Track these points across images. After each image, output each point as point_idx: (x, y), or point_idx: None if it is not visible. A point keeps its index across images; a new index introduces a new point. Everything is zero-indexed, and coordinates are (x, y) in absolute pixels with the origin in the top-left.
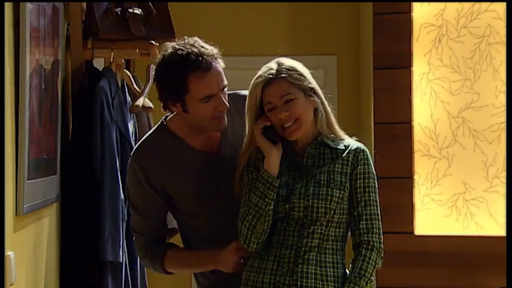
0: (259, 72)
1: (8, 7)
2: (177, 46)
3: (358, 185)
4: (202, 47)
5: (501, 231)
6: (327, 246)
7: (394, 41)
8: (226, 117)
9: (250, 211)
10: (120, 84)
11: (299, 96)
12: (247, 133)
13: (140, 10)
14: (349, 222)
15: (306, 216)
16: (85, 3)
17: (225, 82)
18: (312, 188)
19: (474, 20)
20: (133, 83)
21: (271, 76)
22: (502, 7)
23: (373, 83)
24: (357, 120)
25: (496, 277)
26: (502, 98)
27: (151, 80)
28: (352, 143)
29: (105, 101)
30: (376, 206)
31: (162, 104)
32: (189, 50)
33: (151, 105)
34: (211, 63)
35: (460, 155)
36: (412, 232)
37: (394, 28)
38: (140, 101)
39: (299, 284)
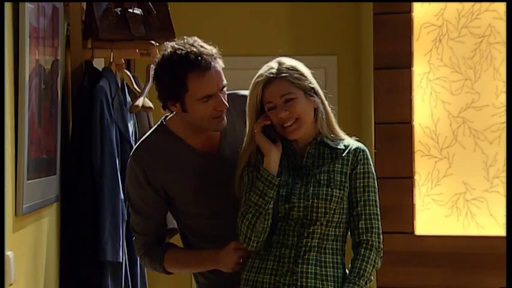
0: (260, 71)
1: (7, 7)
2: (176, 46)
3: (357, 185)
4: (201, 46)
5: (501, 231)
6: (327, 246)
7: (394, 41)
8: (225, 117)
9: (250, 210)
10: (120, 84)
11: (299, 96)
12: (247, 132)
13: (140, 10)
14: (348, 222)
15: (305, 216)
16: (85, 3)
17: (224, 82)
18: (311, 188)
19: (474, 20)
20: (134, 83)
21: (271, 75)
22: (502, 7)
23: (373, 83)
24: (358, 120)
25: (496, 277)
26: (503, 98)
27: (151, 80)
28: (352, 142)
29: (105, 101)
30: (376, 205)
31: (161, 104)
32: (189, 50)
33: (151, 105)
34: (210, 63)
35: (460, 155)
36: (412, 232)
37: (395, 28)
38: (140, 101)
39: (299, 283)
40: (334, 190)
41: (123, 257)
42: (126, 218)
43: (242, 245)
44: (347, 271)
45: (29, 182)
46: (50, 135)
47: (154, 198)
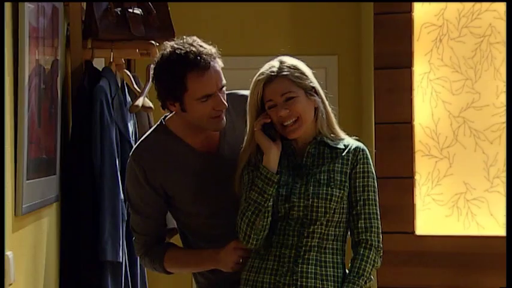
0: (261, 70)
1: (7, 7)
2: (175, 45)
3: (357, 184)
4: (200, 46)
5: (502, 231)
6: (327, 245)
7: (394, 40)
8: (224, 117)
9: (250, 207)
10: (120, 84)
11: (300, 95)
12: (248, 130)
13: (140, 10)
14: (348, 222)
15: (305, 216)
16: (85, 3)
17: (224, 81)
18: (311, 188)
19: (475, 20)
20: (134, 83)
21: (273, 73)
22: (503, 7)
23: (374, 83)
24: (358, 120)
25: (497, 277)
26: (503, 98)
27: (151, 80)
28: (351, 142)
29: (105, 101)
30: (375, 205)
31: (160, 104)
32: (188, 49)
33: (151, 105)
34: (209, 63)
35: (460, 154)
36: (413, 232)
37: (395, 28)
38: (140, 101)
39: (299, 283)
40: (334, 190)
41: (123, 257)
42: (126, 218)
43: (242, 242)
44: (347, 271)
45: (28, 182)
46: (49, 135)
47: (154, 198)
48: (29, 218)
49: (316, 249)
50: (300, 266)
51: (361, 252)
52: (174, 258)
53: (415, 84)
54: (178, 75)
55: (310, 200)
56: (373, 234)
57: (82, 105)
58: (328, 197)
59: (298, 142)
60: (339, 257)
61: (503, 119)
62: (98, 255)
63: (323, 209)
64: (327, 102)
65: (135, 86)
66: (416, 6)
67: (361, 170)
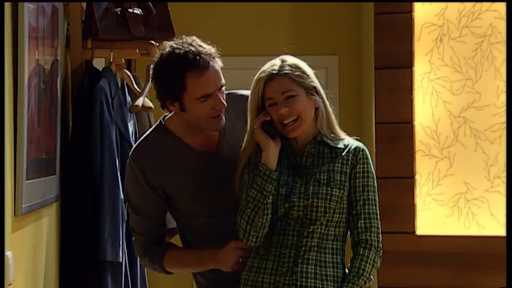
0: (263, 68)
1: (7, 7)
2: (175, 45)
3: (357, 184)
4: (200, 46)
5: (502, 231)
6: (327, 245)
7: (395, 40)
8: (224, 117)
9: (249, 205)
10: (120, 84)
11: (300, 94)
12: (248, 129)
13: (140, 10)
14: (348, 222)
15: (305, 216)
16: (85, 3)
17: (223, 81)
18: (311, 187)
19: (475, 20)
20: (134, 83)
21: (274, 72)
22: (503, 7)
23: (374, 83)
24: (359, 120)
25: (497, 277)
26: (504, 98)
27: (150, 80)
28: (351, 142)
29: (105, 101)
30: (375, 205)
31: (160, 103)
32: (187, 49)
33: (151, 105)
34: (208, 62)
35: (461, 154)
36: (413, 232)
37: (396, 28)
38: (140, 101)
39: (299, 283)
40: (334, 189)
41: (123, 257)
42: (126, 218)
43: (241, 240)
44: (347, 271)
45: (28, 182)
46: (49, 135)
47: (154, 197)
48: (29, 218)
49: (316, 249)
50: (299, 266)
51: (361, 252)
52: (174, 258)
53: (415, 84)
54: (177, 74)
55: (310, 199)
56: (373, 234)
57: (82, 105)
58: (328, 196)
59: (298, 142)
60: (338, 257)
61: (504, 119)
62: (97, 255)
63: (323, 209)
64: (327, 102)
65: (135, 86)
66: (417, 6)
67: (361, 169)
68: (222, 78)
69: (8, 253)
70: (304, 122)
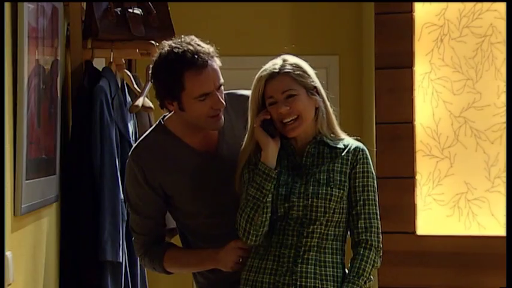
0: (264, 67)
1: (6, 7)
2: (173, 44)
3: (357, 184)
4: (198, 45)
5: (503, 231)
6: (327, 245)
7: (396, 40)
8: (223, 116)
9: (248, 203)
10: (120, 84)
11: (301, 93)
12: (249, 127)
13: (140, 10)
14: (348, 222)
15: (305, 216)
16: (85, 3)
17: (221, 80)
18: (311, 187)
19: (476, 20)
20: (134, 83)
21: (275, 70)
22: (503, 7)
23: (375, 83)
24: (359, 120)
25: (497, 277)
26: (504, 98)
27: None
28: (351, 142)
29: (105, 101)
30: (375, 205)
31: (159, 103)
32: (185, 48)
33: (151, 105)
34: (207, 61)
35: (461, 154)
36: (414, 232)
37: (396, 28)
38: (140, 101)
39: (298, 283)
40: (333, 189)
41: (123, 257)
42: (126, 218)
43: (241, 239)
44: (347, 271)
45: (28, 182)
46: (49, 135)
47: (153, 197)
48: (29, 218)
49: (315, 249)
50: (299, 266)
51: (361, 252)
52: (174, 258)
53: (416, 84)
54: (175, 74)
55: (310, 199)
56: (373, 234)
57: (82, 105)
58: (328, 196)
59: (298, 142)
60: (338, 257)
61: (504, 119)
62: (97, 255)
63: (322, 209)
64: (328, 103)
65: (135, 86)
66: (417, 6)
67: (361, 169)
68: (221, 77)
69: (8, 253)
70: (304, 122)
